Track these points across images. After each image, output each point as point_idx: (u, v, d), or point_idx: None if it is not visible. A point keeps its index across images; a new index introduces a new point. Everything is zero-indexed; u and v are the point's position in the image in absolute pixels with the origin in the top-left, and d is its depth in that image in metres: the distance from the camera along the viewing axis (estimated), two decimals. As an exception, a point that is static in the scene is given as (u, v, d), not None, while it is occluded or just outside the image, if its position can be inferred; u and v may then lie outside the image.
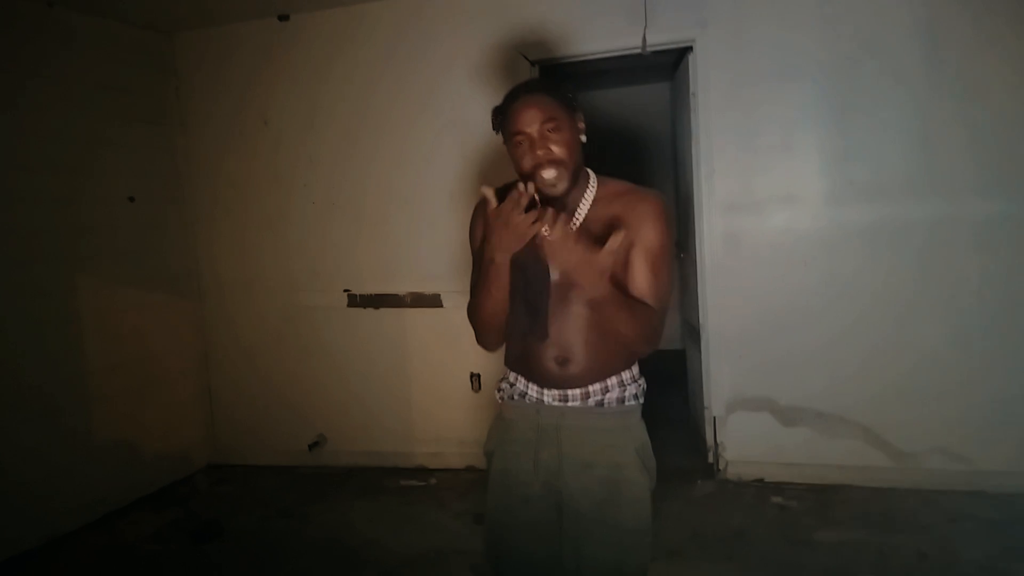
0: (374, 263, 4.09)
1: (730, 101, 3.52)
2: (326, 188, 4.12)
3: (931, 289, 3.38)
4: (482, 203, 1.72)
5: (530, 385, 1.75)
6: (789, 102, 3.45)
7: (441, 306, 3.98)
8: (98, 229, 3.75)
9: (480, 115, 3.80)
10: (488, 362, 3.97)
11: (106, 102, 3.82)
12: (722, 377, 3.65)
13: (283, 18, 4.06)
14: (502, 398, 1.84)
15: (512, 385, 1.80)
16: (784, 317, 3.56)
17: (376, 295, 4.10)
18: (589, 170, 1.70)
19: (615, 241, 1.44)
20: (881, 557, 2.90)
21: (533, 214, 1.46)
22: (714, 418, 3.69)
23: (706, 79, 3.53)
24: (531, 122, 1.58)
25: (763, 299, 3.57)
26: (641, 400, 1.78)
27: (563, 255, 1.50)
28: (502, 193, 1.55)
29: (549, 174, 1.58)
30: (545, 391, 1.73)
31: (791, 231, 3.52)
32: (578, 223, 1.63)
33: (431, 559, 3.10)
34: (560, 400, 1.72)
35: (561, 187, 1.60)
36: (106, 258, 3.79)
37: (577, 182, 1.64)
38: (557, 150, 1.58)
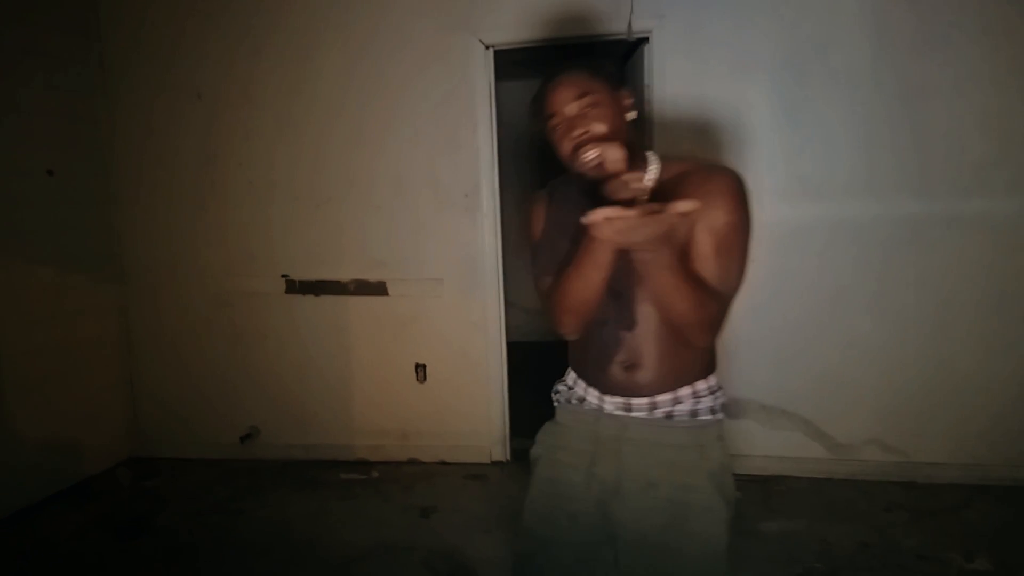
0: (315, 247, 3.92)
1: (684, 94, 3.52)
2: (265, 167, 3.91)
3: (871, 285, 3.48)
4: (537, 196, 1.71)
5: (589, 390, 1.61)
6: (742, 97, 3.47)
7: (387, 294, 3.85)
8: (12, 204, 3.45)
9: (432, 99, 3.74)
10: (435, 353, 3.87)
11: (23, 67, 3.52)
12: (670, 369, 3.67)
13: (222, -14, 3.83)
14: (558, 401, 1.70)
15: (571, 388, 1.66)
16: (733, 312, 3.59)
17: (317, 281, 3.93)
18: (650, 152, 1.55)
19: (685, 205, 1.19)
20: (825, 546, 2.97)
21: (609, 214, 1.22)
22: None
23: (661, 71, 3.52)
24: (565, 101, 1.46)
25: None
26: (720, 416, 1.59)
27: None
28: (555, 188, 1.58)
29: (590, 155, 1.42)
30: (607, 398, 1.57)
31: (740, 226, 3.55)
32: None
33: (379, 555, 2.99)
34: (623, 409, 1.56)
35: (613, 165, 1.40)
36: (21, 235, 3.49)
37: (632, 164, 1.44)
38: (597, 127, 1.44)
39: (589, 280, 1.46)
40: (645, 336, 1.51)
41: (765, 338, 3.57)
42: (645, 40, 3.59)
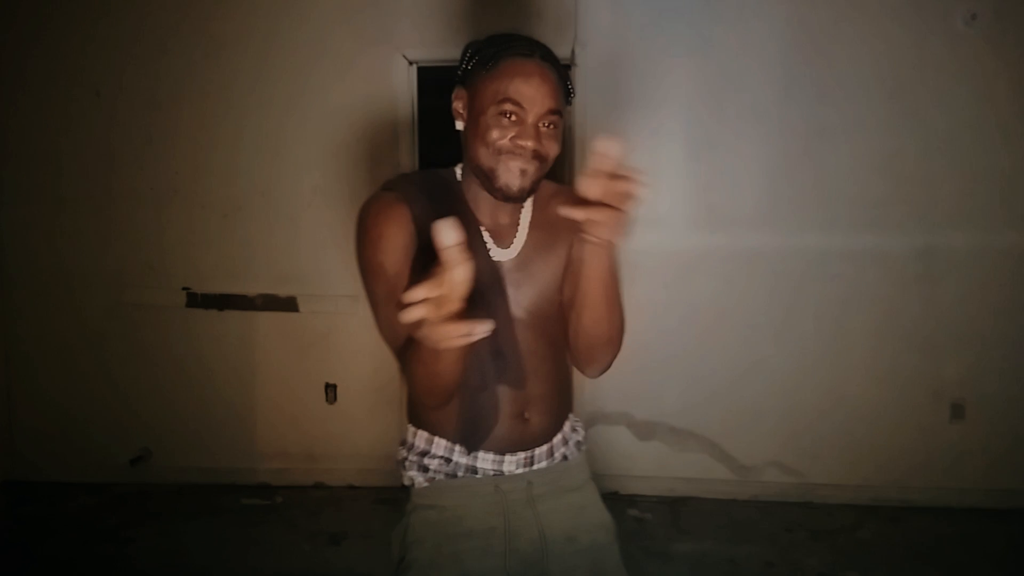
0: (221, 260, 3.74)
1: (604, 122, 3.59)
2: (168, 173, 3.70)
3: (775, 313, 3.63)
4: (393, 206, 1.31)
5: (480, 456, 1.35)
6: (659, 127, 3.57)
7: (297, 310, 3.71)
8: None
9: (350, 111, 3.66)
10: (347, 372, 3.76)
11: None
12: (584, 392, 3.70)
13: (127, -19, 3.63)
14: (429, 480, 1.37)
15: (447, 460, 1.36)
16: (645, 335, 3.66)
17: (221, 295, 3.74)
18: None
19: (576, 212, 1.09)
20: (733, 566, 3.06)
21: (457, 326, 0.94)
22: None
23: (582, 98, 3.57)
24: (535, 98, 1.20)
25: (627, 317, 3.66)
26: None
27: (525, 268, 1.25)
28: (410, 193, 1.28)
29: (522, 171, 1.23)
30: (507, 457, 1.35)
31: (655, 253, 3.63)
32: (522, 239, 1.34)
33: (285, 585, 2.85)
34: (526, 465, 1.37)
35: (524, 189, 1.25)
36: None
37: None
38: (547, 148, 1.24)
39: (439, 375, 1.15)
40: (535, 375, 1.34)
41: (675, 362, 3.67)
42: (567, 67, 3.64)
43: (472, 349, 1.05)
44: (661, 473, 3.71)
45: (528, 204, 1.37)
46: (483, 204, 1.33)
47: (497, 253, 1.33)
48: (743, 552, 3.16)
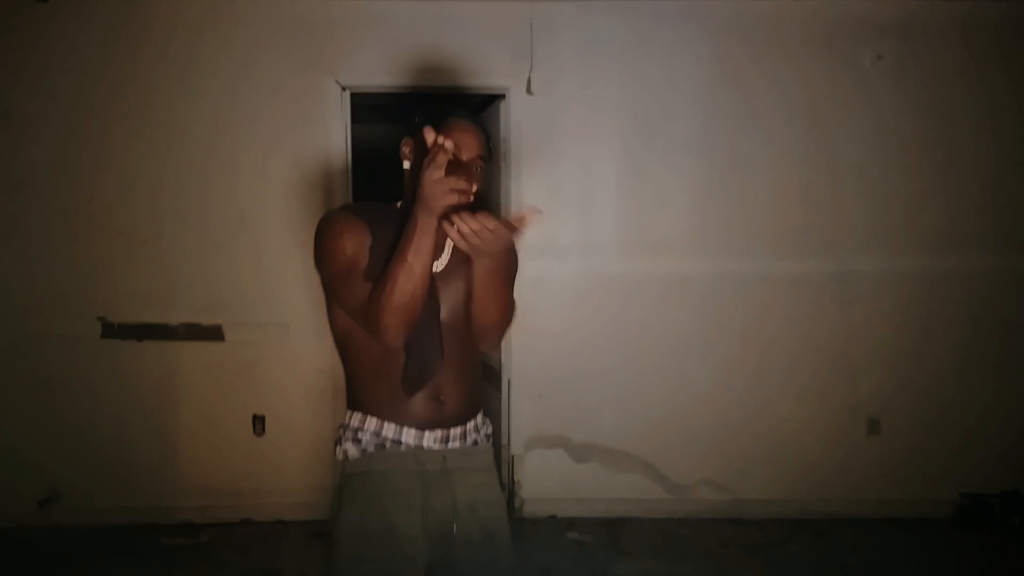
0: (139, 287, 3.56)
1: (538, 150, 3.66)
2: (82, 197, 3.53)
3: (703, 334, 3.76)
4: (351, 220, 1.56)
5: (404, 431, 1.59)
6: (592, 155, 3.67)
7: (222, 339, 3.57)
8: None
9: (283, 137, 3.58)
10: (276, 403, 3.63)
11: None
12: (522, 416, 3.71)
13: (41, -1, 3.45)
14: (361, 452, 1.60)
15: (377, 434, 1.60)
16: (581, 358, 3.73)
17: (139, 325, 3.56)
18: None
19: (528, 219, 1.39)
20: (674, 585, 3.11)
21: (451, 180, 1.36)
22: (512, 457, 3.72)
23: (518, 127, 3.64)
24: (470, 149, 1.54)
25: (562, 340, 3.71)
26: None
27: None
28: (370, 215, 1.57)
29: (459, 201, 1.47)
30: (426, 433, 1.59)
31: (589, 277, 3.71)
32: (448, 254, 1.62)
33: (220, 628, 2.70)
34: (442, 442, 1.61)
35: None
36: None
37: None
38: (477, 187, 1.52)
39: (414, 271, 1.45)
40: (452, 367, 1.61)
41: (609, 384, 3.73)
42: (501, 96, 3.69)
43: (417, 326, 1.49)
44: (598, 495, 3.75)
45: None
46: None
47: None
48: (682, 570, 3.22)
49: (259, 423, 3.63)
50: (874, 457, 3.75)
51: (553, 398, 3.71)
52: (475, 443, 1.66)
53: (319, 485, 3.66)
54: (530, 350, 3.69)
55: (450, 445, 1.62)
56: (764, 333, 3.77)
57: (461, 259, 1.59)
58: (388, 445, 1.59)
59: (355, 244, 1.54)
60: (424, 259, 1.45)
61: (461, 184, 1.37)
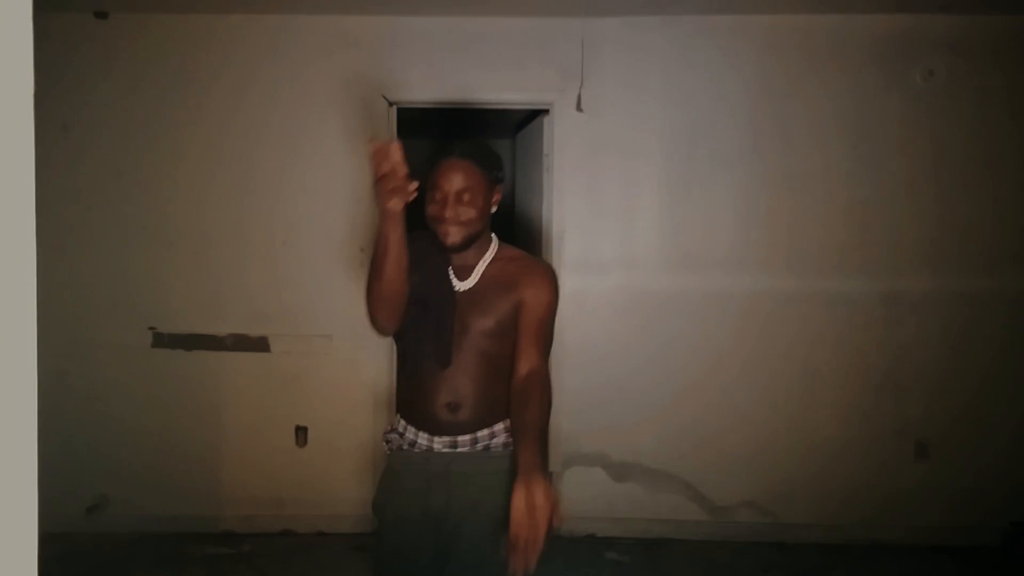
0: (189, 298, 3.64)
1: (581, 165, 3.66)
2: (137, 208, 3.62)
3: (746, 352, 3.70)
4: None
5: (420, 434, 1.83)
6: (635, 171, 3.66)
7: (268, 350, 3.63)
8: None
9: (328, 149, 3.64)
10: (319, 415, 3.67)
11: None
12: (561, 432, 3.69)
13: (100, 15, 3.56)
14: (390, 449, 1.89)
15: (402, 435, 1.86)
16: (621, 375, 3.70)
17: (189, 335, 3.64)
18: (493, 234, 1.89)
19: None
20: (715, 608, 3.05)
21: (390, 182, 1.57)
22: (551, 473, 3.70)
23: (562, 142, 3.64)
24: (452, 182, 1.74)
25: (602, 356, 3.69)
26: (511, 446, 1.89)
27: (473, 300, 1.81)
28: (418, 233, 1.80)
29: (452, 239, 1.77)
30: (435, 439, 1.82)
31: (632, 294, 3.69)
32: (477, 278, 1.83)
33: (262, 637, 2.73)
34: (450, 447, 1.82)
35: (456, 243, 1.78)
36: None
37: (478, 243, 1.83)
38: (464, 213, 1.75)
39: (383, 267, 1.69)
40: (466, 378, 1.80)
41: (649, 402, 3.69)
42: (545, 111, 3.71)
43: (419, 312, 1.78)
44: (637, 515, 3.71)
45: (489, 255, 1.87)
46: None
47: (457, 284, 1.83)
48: (724, 594, 3.16)
49: (302, 434, 3.67)
50: (922, 482, 3.65)
51: (592, 415, 3.69)
52: (486, 448, 1.82)
53: (358, 497, 3.68)
54: (569, 366, 3.67)
55: (459, 450, 1.81)
56: (809, 352, 3.70)
57: (491, 285, 1.82)
58: (406, 446, 1.85)
59: None
60: (390, 254, 1.66)
61: (394, 184, 1.57)
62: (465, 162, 1.76)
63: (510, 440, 1.82)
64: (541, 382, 1.77)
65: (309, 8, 3.50)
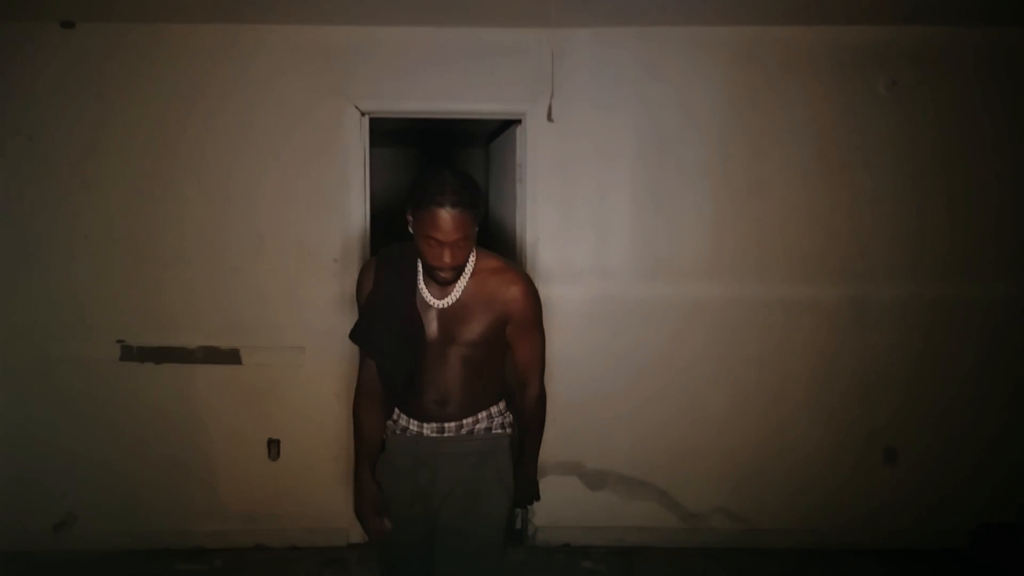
0: (159, 310, 3.59)
1: (554, 175, 3.67)
2: (104, 220, 3.57)
3: (718, 360, 3.73)
4: (370, 262, 2.16)
5: (411, 421, 2.09)
6: (607, 180, 3.68)
7: (240, 363, 3.59)
8: None
9: (300, 160, 3.62)
10: (291, 427, 3.64)
11: None
12: (536, 442, 3.68)
13: (67, 25, 3.52)
14: (389, 434, 2.15)
15: (395, 421, 2.13)
16: (594, 383, 3.71)
17: (158, 348, 3.59)
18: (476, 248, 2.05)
19: None
20: (691, 615, 3.07)
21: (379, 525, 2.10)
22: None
23: (534, 151, 3.65)
24: (447, 233, 1.86)
25: (576, 365, 3.69)
26: (508, 431, 2.16)
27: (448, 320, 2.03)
28: (388, 256, 2.10)
29: (446, 275, 1.94)
30: (424, 425, 2.07)
31: (603, 302, 3.71)
32: (459, 293, 2.00)
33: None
34: (438, 432, 2.07)
35: (449, 280, 1.97)
36: None
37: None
38: (459, 257, 1.92)
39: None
40: (452, 379, 2.03)
41: (623, 410, 3.71)
42: (517, 121, 3.72)
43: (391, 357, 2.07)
44: (612, 523, 3.72)
45: (469, 267, 2.02)
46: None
47: (437, 303, 2.02)
48: (699, 600, 3.18)
49: (274, 447, 3.63)
50: (891, 486, 3.70)
51: (567, 424, 3.68)
52: (470, 433, 2.07)
53: (332, 511, 3.66)
54: (545, 375, 3.67)
55: (445, 435, 2.06)
56: (780, 359, 3.74)
57: (472, 299, 1.99)
58: (399, 432, 2.12)
59: (361, 285, 2.14)
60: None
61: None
62: (457, 211, 1.86)
63: (494, 424, 2.11)
64: (541, 405, 2.22)
65: (280, 18, 3.48)
